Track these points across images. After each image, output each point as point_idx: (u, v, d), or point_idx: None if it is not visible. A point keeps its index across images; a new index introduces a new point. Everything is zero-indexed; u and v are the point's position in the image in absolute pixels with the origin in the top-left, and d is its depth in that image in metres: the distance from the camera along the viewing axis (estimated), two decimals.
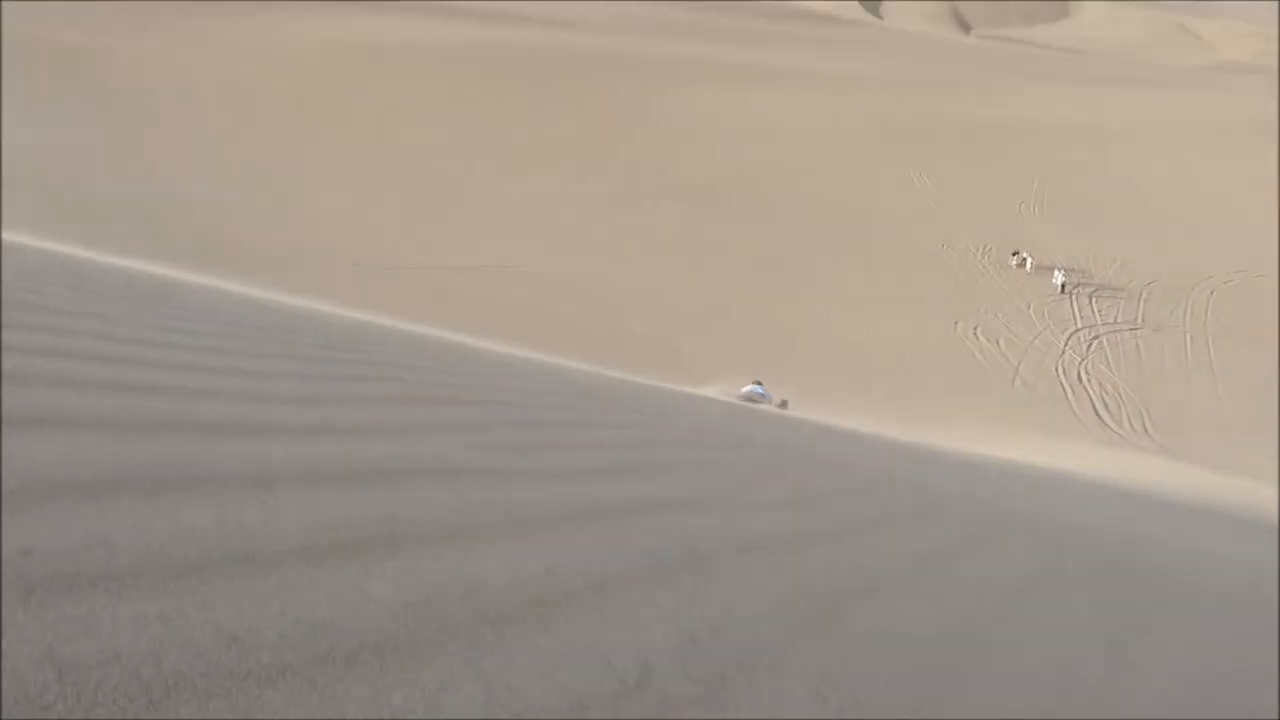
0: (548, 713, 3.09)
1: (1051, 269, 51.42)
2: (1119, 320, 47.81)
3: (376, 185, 53.58)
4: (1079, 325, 46.74)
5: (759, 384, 29.80)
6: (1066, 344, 44.49)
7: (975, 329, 45.02)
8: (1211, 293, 52.13)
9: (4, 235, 12.48)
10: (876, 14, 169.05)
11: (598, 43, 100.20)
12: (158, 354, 6.54)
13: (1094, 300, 49.70)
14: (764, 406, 26.16)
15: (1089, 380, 41.27)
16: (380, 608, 3.38)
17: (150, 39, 76.55)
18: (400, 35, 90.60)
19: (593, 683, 3.34)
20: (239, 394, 5.89)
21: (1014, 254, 53.26)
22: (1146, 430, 37.55)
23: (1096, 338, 45.56)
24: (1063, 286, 49.90)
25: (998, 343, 43.90)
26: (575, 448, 7.86)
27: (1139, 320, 47.98)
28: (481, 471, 5.79)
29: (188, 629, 2.84)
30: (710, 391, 27.12)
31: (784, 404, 29.25)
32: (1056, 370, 41.80)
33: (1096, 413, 38.60)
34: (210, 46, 77.54)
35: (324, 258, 41.51)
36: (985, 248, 55.07)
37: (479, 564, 4.09)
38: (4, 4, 71.85)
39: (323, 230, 45.44)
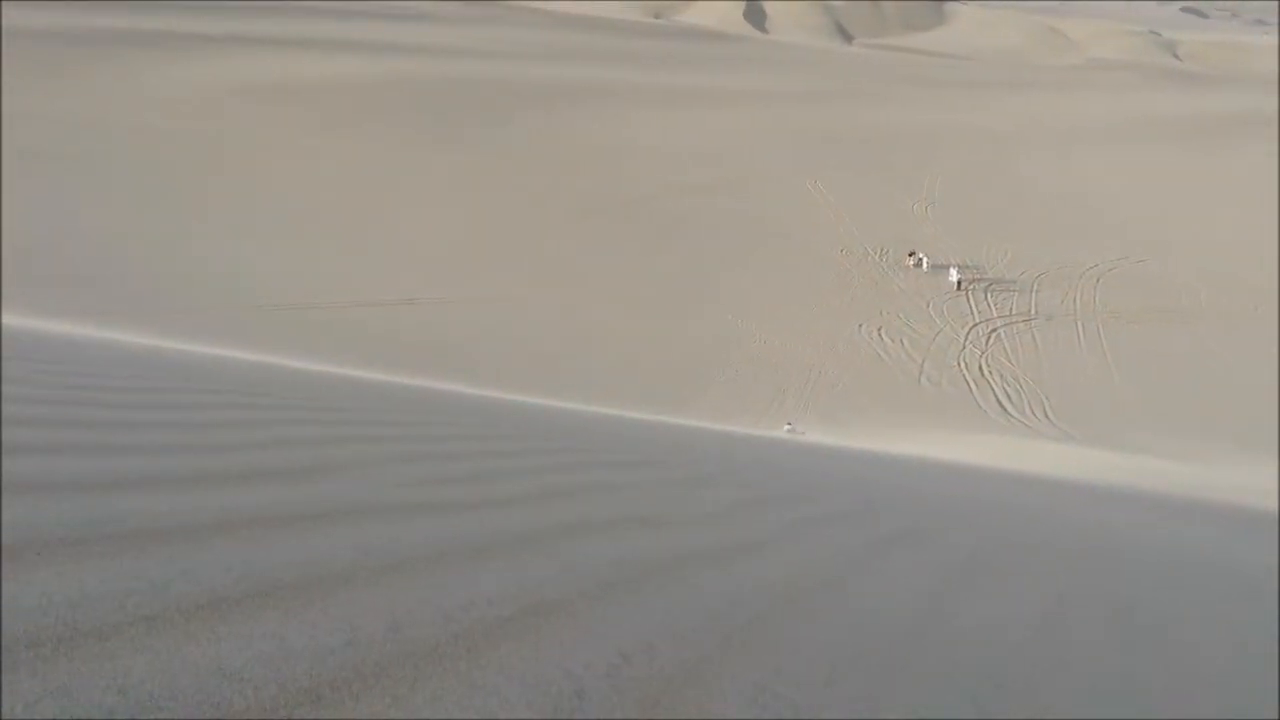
0: None
1: (947, 267, 52.97)
2: (1014, 312, 49.48)
3: (283, 225, 52.33)
4: (977, 319, 48.21)
5: (790, 424, 34.67)
6: (966, 339, 45.83)
7: (879, 330, 46.06)
8: (1098, 280, 54.37)
9: None
10: (761, 27, 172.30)
11: (492, 70, 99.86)
12: (60, 413, 6.25)
13: (989, 294, 51.34)
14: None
15: (990, 372, 42.55)
16: (300, 655, 3.26)
17: (37, 90, 73.43)
18: (300, 73, 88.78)
19: (525, 711, 3.27)
20: (147, 447, 5.66)
21: (910, 255, 54.72)
22: (1048, 417, 38.85)
23: (994, 330, 47.05)
24: (959, 283, 51.42)
25: (901, 342, 44.97)
26: (500, 476, 7.75)
27: (1032, 311, 49.73)
28: (404, 507, 5.66)
29: (91, 698, 2.69)
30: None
31: (792, 429, 34.01)
32: (959, 365, 43.01)
33: (1000, 403, 39.78)
34: (101, 94, 74.76)
35: (231, 302, 40.32)
36: (883, 251, 56.48)
37: (403, 601, 3.98)
38: None
39: (229, 274, 44.14)
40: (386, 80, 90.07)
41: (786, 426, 34.78)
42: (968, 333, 46.55)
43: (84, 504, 4.20)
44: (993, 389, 41.04)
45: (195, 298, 40.23)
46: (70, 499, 4.24)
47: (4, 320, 15.44)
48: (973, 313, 49.01)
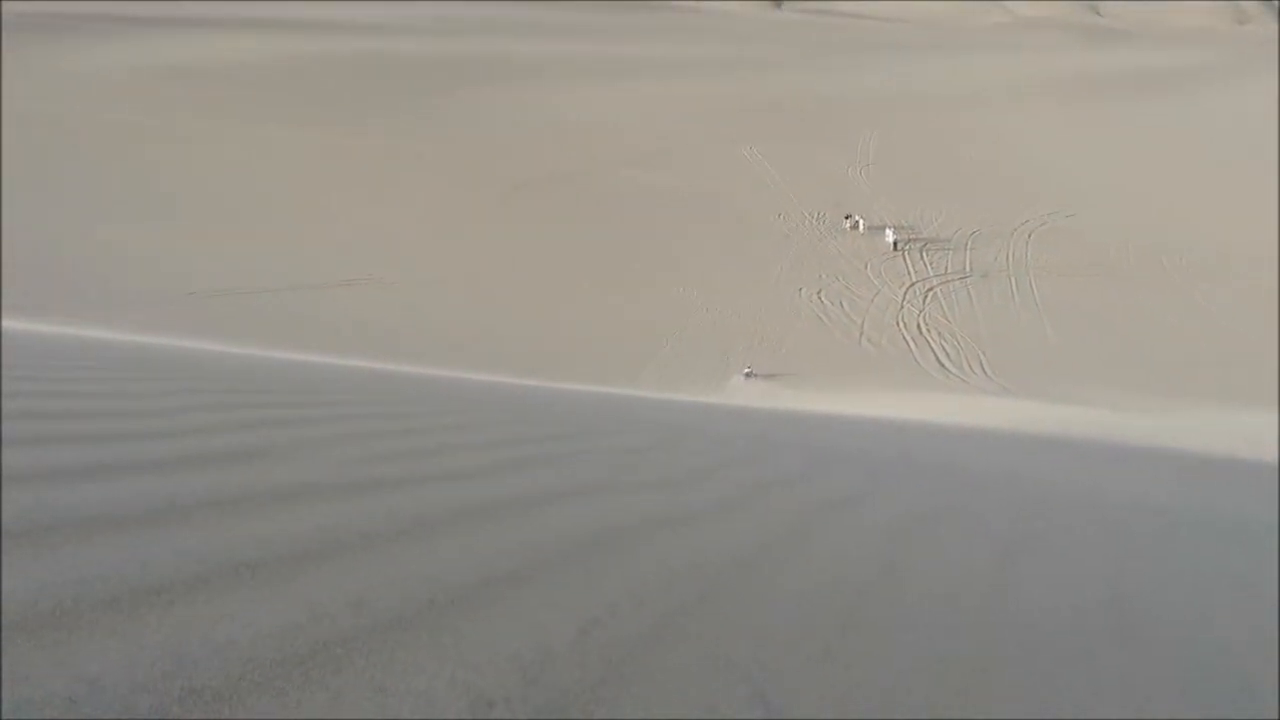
0: (453, 713, 3.02)
1: (883, 229, 53.59)
2: (949, 270, 50.27)
3: (206, 212, 51.03)
4: (914, 279, 48.90)
5: (749, 369, 37.34)
6: (904, 298, 46.49)
7: (819, 293, 46.51)
8: (1029, 236, 55.44)
9: None
10: None
11: (422, 47, 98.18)
12: (7, 405, 6.06)
13: (924, 254, 52.08)
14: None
15: (928, 330, 43.25)
16: (264, 636, 3.23)
17: None
18: (216, 54, 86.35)
19: (495, 678, 3.28)
20: (96, 436, 5.52)
21: (847, 218, 55.24)
22: (985, 372, 39.64)
23: (931, 289, 47.78)
24: (895, 244, 52.06)
25: (841, 304, 45.48)
26: (450, 451, 7.71)
27: (967, 269, 50.57)
28: (356, 485, 5.61)
29: (52, 686, 2.64)
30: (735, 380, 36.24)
31: (750, 374, 37.21)
32: (898, 324, 43.64)
33: (939, 361, 40.49)
34: (7, 78, 71.86)
35: (161, 290, 39.32)
36: (819, 215, 56.93)
37: (364, 577, 3.96)
38: None
39: (150, 263, 43.00)
40: (301, 60, 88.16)
41: (746, 370, 37.02)
42: (905, 292, 47.23)
43: (35, 494, 4.10)
44: (931, 347, 41.74)
45: (122, 288, 39.18)
46: (21, 490, 4.13)
47: None
48: (909, 273, 49.71)
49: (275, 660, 3.07)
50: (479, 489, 6.24)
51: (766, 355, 39.48)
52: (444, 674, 3.23)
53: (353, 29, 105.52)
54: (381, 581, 3.92)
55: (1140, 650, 5.02)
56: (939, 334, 43.06)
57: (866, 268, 49.79)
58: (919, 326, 43.65)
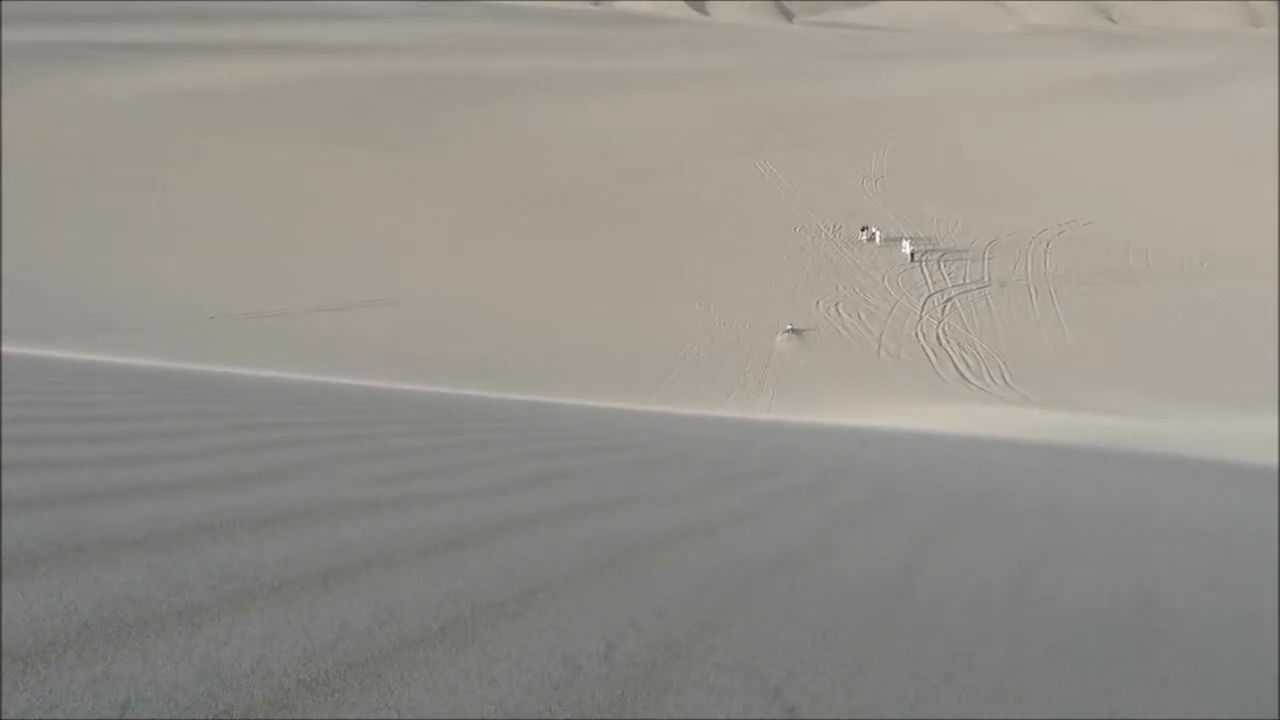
0: None
1: (899, 239, 53.45)
2: (967, 281, 50.07)
3: (216, 236, 51.47)
4: (932, 290, 48.73)
5: (790, 326, 42.10)
6: (923, 309, 46.32)
7: (836, 305, 46.40)
8: (1047, 245, 55.18)
9: None
10: (703, 11, 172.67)
11: (423, 66, 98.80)
12: (29, 430, 6.13)
13: (942, 264, 51.90)
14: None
15: (948, 341, 43.05)
16: (291, 653, 3.24)
17: None
18: (215, 80, 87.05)
19: (523, 692, 3.28)
20: (119, 459, 5.57)
21: (862, 229, 55.14)
22: (1006, 382, 39.40)
23: (949, 300, 47.59)
24: (912, 255, 51.91)
25: (859, 315, 45.35)
26: (471, 468, 7.73)
27: (986, 278, 50.36)
28: (378, 504, 5.63)
29: (84, 708, 2.66)
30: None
31: (791, 330, 41.64)
32: (917, 335, 43.46)
33: (959, 371, 40.28)
34: (19, 108, 72.87)
35: (175, 314, 39.63)
36: (835, 226, 56.84)
37: (389, 595, 3.97)
38: None
39: (167, 287, 43.35)
40: (317, 82, 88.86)
41: (788, 327, 41.52)
42: (923, 303, 47.06)
43: (62, 517, 4.13)
44: (951, 357, 41.54)
45: (139, 310, 39.52)
46: (48, 513, 4.17)
47: None
48: (927, 283, 49.55)
49: (305, 679, 3.08)
50: (498, 505, 6.25)
51: (784, 368, 39.41)
52: (472, 690, 3.23)
53: (360, 49, 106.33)
54: (408, 598, 3.93)
55: (1161, 655, 4.97)
56: (959, 344, 42.87)
57: (884, 279, 49.67)
58: (938, 337, 43.47)
